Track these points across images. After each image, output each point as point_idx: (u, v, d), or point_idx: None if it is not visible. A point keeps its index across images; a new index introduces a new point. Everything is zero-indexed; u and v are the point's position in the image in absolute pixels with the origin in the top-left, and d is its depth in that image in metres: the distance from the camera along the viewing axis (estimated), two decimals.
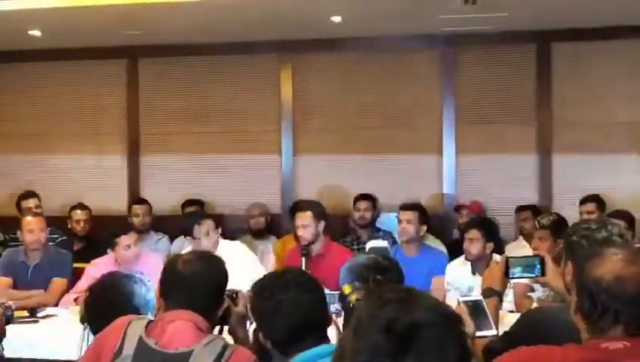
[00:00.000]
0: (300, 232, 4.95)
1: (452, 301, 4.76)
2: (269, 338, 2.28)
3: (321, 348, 2.20)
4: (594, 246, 2.36)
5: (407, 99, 6.99)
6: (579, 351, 1.90)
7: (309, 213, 4.99)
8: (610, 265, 1.92)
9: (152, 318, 2.45)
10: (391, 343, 1.16)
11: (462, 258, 4.99)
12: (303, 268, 4.67)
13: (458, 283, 4.94)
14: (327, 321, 2.35)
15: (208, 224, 4.85)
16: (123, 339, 2.31)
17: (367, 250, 4.13)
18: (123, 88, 7.42)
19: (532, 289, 4.37)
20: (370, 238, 6.14)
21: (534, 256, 2.94)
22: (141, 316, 2.47)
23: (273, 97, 7.19)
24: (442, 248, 5.87)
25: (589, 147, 6.67)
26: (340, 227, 6.58)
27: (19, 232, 5.28)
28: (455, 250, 5.48)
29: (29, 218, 5.37)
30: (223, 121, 7.28)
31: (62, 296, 5.07)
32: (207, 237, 4.82)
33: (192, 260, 2.52)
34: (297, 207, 5.18)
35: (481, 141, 6.87)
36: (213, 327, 2.56)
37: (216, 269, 2.54)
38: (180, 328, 2.34)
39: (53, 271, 5.22)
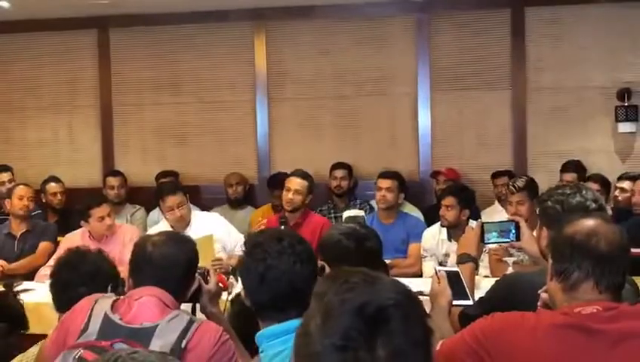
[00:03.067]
0: (290, 195, 4.96)
1: (429, 268, 4.81)
2: (249, 298, 2.24)
3: (295, 322, 2.12)
4: (568, 212, 2.38)
5: (382, 66, 6.96)
6: (552, 316, 1.93)
7: (304, 182, 5.02)
8: (584, 223, 1.96)
9: (119, 296, 2.45)
10: (363, 325, 1.18)
11: (438, 224, 5.02)
12: None
13: (434, 249, 4.98)
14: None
15: (171, 200, 4.78)
16: (89, 317, 2.32)
17: (344, 219, 4.14)
18: (94, 59, 7.29)
19: (508, 254, 4.41)
20: (347, 207, 6.18)
21: (509, 220, 2.95)
22: (108, 294, 2.47)
23: (247, 66, 7.11)
24: (419, 215, 5.90)
25: (563, 111, 6.70)
26: (317, 196, 6.56)
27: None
28: (432, 216, 5.51)
29: (20, 186, 5.56)
30: (197, 90, 7.21)
31: (49, 258, 5.10)
32: (182, 207, 4.78)
33: (161, 241, 2.51)
34: (294, 173, 5.15)
35: (456, 107, 6.87)
36: (183, 303, 2.57)
37: (186, 250, 2.54)
38: (145, 303, 2.35)
39: (40, 238, 5.39)
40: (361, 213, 4.48)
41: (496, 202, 6.33)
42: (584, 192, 2.52)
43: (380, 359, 1.16)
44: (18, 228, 5.42)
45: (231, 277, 4.46)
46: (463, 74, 6.82)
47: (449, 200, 4.85)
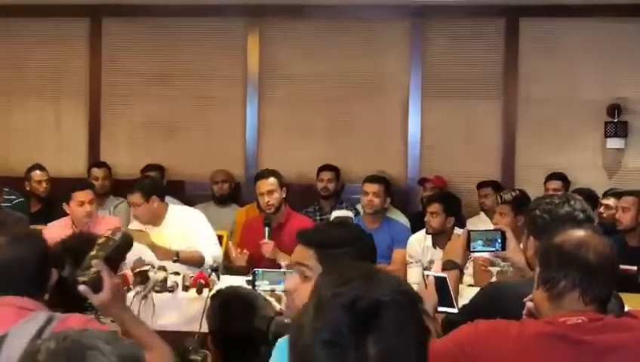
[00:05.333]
0: (266, 198, 4.93)
1: (414, 274, 4.79)
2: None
3: None
4: (556, 221, 2.36)
5: (374, 69, 6.93)
6: (536, 325, 1.90)
7: (273, 180, 4.98)
8: (574, 233, 1.94)
9: None
10: (354, 321, 1.15)
11: (423, 231, 5.00)
12: (266, 237, 4.73)
13: (419, 256, 4.96)
14: None
15: (130, 198, 4.90)
16: None
17: (331, 219, 4.11)
18: (85, 47, 7.23)
19: (492, 263, 4.40)
20: (333, 209, 6.15)
21: (496, 230, 2.93)
22: None
23: (240, 63, 7.07)
24: (405, 220, 5.88)
25: (553, 124, 6.69)
26: (303, 197, 6.54)
27: None
28: (418, 223, 5.50)
29: None
30: (187, 84, 7.14)
31: None
32: (137, 208, 4.84)
33: (2, 245, 2.40)
34: (259, 175, 5.14)
35: (446, 115, 6.85)
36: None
37: (32, 247, 2.42)
38: (2, 314, 2.23)
39: None
40: (350, 213, 4.45)
41: (482, 212, 6.32)
42: (572, 202, 2.50)
43: (370, 357, 1.13)
44: None
45: (213, 274, 4.42)
46: (454, 81, 6.80)
47: (434, 207, 4.84)
